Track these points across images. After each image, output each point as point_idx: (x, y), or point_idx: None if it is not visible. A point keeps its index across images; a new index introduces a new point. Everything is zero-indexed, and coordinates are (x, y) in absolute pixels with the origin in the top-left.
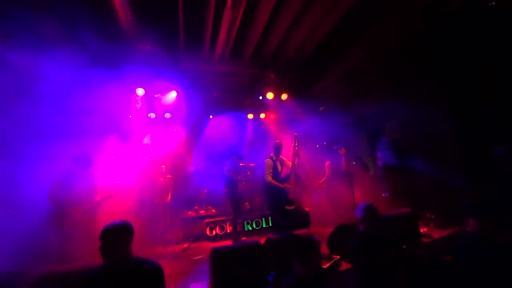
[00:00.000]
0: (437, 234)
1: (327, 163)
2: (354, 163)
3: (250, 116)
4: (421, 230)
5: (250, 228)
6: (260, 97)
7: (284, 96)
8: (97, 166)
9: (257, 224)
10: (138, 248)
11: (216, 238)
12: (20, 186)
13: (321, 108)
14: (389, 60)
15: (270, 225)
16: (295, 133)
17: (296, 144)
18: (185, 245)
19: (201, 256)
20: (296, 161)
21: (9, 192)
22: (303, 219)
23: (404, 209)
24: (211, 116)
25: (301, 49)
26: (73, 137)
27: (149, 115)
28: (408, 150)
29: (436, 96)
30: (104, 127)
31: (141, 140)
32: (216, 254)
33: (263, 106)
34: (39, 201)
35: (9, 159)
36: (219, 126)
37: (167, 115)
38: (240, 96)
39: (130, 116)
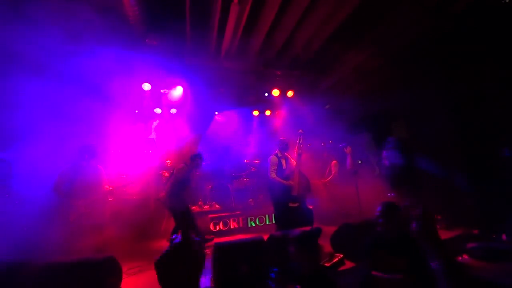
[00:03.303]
0: (444, 235)
1: (333, 162)
2: (360, 161)
3: (256, 113)
4: None
5: (254, 225)
6: (266, 94)
7: (290, 93)
8: (103, 158)
9: (261, 221)
10: (142, 242)
11: (220, 233)
12: (23, 177)
13: (327, 106)
14: (396, 59)
15: (274, 222)
16: (300, 131)
17: (300, 142)
18: None
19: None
20: (300, 159)
21: (12, 183)
22: (307, 217)
23: None
24: (216, 112)
25: (307, 46)
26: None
27: (155, 110)
28: (415, 150)
29: (444, 96)
30: (110, 118)
31: (147, 134)
32: (220, 249)
33: (268, 103)
34: (43, 192)
35: (9, 150)
36: (224, 122)
37: (173, 110)
38: (245, 93)
39: (137, 111)
